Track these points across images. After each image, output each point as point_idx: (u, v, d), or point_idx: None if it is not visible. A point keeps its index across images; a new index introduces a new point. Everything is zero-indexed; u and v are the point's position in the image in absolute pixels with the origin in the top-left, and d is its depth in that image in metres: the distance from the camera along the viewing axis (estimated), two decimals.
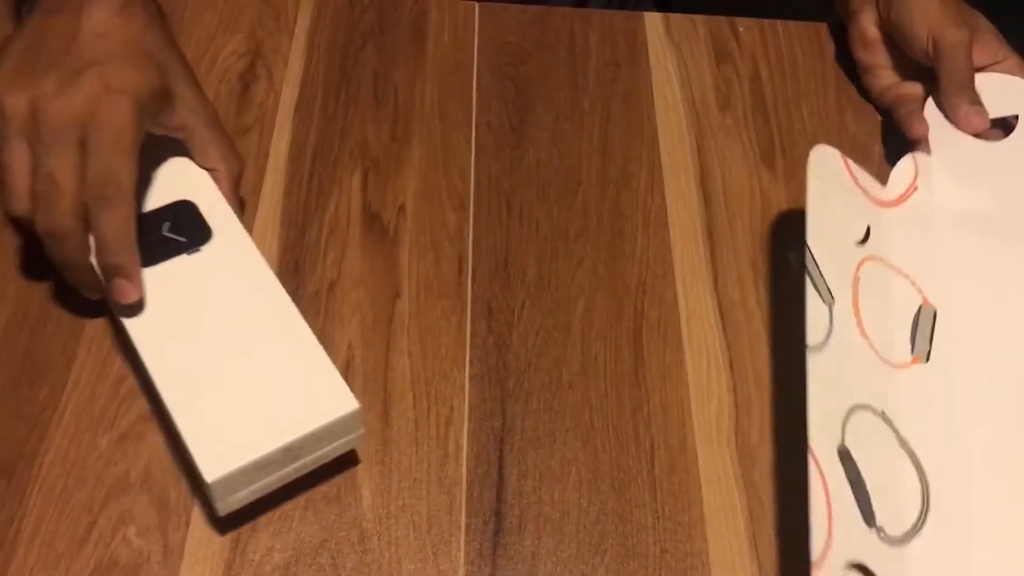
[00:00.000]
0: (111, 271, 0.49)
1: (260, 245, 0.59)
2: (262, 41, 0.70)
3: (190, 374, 0.48)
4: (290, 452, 0.47)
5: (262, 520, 0.49)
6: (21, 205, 0.50)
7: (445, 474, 0.52)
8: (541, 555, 0.49)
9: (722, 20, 0.75)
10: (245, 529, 0.49)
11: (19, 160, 0.49)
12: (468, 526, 0.50)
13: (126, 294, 0.50)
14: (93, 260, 0.50)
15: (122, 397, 0.52)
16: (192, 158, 0.56)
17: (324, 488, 0.50)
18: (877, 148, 0.68)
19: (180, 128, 0.54)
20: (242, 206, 0.59)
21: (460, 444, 0.53)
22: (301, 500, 0.50)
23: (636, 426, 0.54)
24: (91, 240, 0.50)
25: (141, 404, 0.52)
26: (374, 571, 0.48)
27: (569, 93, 0.70)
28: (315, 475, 0.51)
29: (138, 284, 0.50)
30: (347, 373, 0.54)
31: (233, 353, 0.49)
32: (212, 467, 0.45)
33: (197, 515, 0.49)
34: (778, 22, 0.76)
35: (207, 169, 0.56)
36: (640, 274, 0.60)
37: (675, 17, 0.75)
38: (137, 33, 0.53)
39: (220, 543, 0.48)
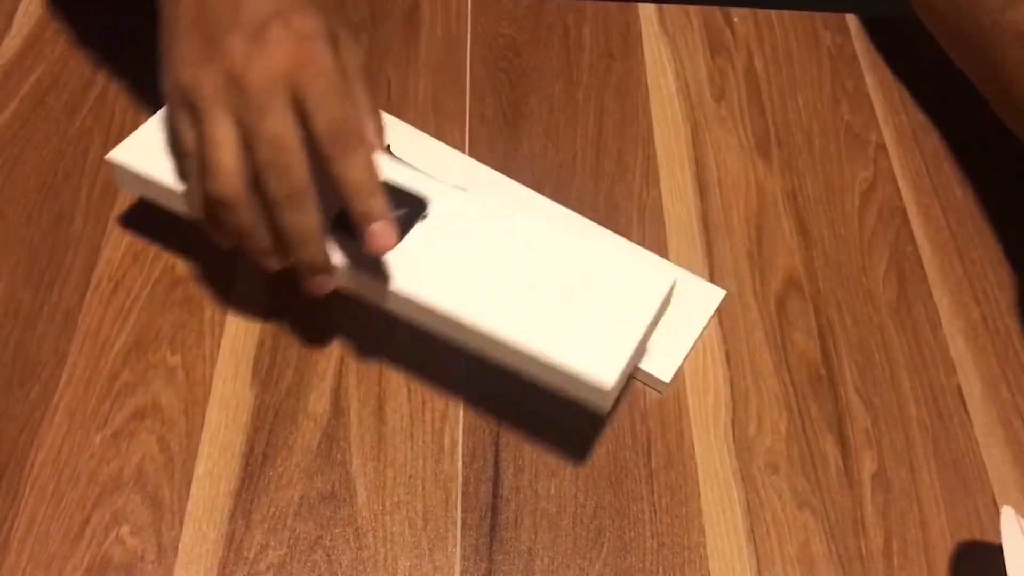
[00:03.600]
0: (369, 215, 0.46)
1: None
2: None
3: (519, 312, 0.48)
4: (646, 333, 0.49)
5: (256, 517, 0.49)
6: (232, 182, 0.46)
7: (440, 469, 0.51)
8: (538, 549, 0.49)
9: (716, 11, 0.75)
10: (239, 527, 0.49)
11: (226, 134, 0.46)
12: (464, 521, 0.50)
13: (388, 238, 0.47)
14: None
15: (115, 395, 0.52)
16: None
17: (319, 484, 0.50)
18: (873, 137, 0.68)
19: (340, 70, 0.49)
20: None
21: (455, 439, 0.52)
22: (295, 497, 0.50)
23: (633, 419, 0.54)
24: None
25: (134, 401, 0.52)
26: (370, 568, 0.48)
27: (563, 85, 0.69)
28: (310, 471, 0.50)
29: (394, 227, 0.47)
30: (341, 368, 0.54)
31: (539, 276, 0.49)
32: (604, 375, 0.46)
33: (191, 513, 0.49)
34: (772, 12, 0.75)
35: None
36: None
37: (669, 8, 0.75)
38: None
39: (214, 541, 0.48)
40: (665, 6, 0.75)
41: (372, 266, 0.49)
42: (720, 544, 0.50)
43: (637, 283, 0.50)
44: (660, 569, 0.49)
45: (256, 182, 0.47)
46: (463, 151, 0.64)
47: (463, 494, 0.51)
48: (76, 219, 0.59)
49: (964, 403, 0.56)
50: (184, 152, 0.49)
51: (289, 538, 0.48)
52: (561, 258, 0.50)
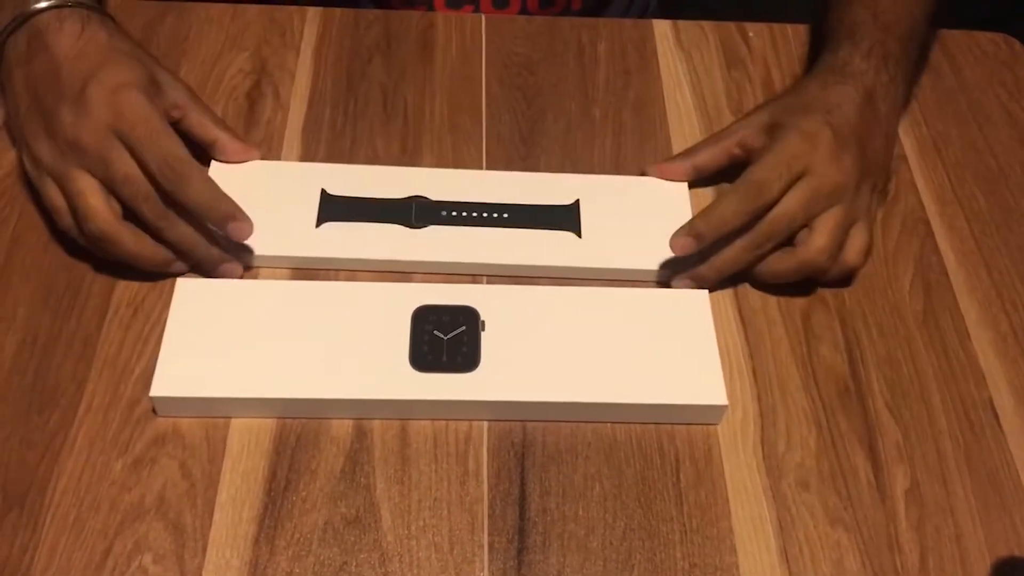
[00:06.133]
0: (223, 220, 0.54)
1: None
2: (268, 58, 0.69)
3: (615, 376, 0.53)
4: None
5: (280, 543, 0.48)
6: (104, 218, 0.54)
7: (466, 492, 0.51)
8: (567, 573, 0.48)
9: (731, 25, 0.75)
10: (263, 553, 0.48)
11: (87, 184, 0.54)
12: (491, 545, 0.49)
13: (244, 230, 0.54)
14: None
15: (135, 421, 0.52)
16: (193, 134, 0.59)
17: (343, 509, 0.49)
18: (894, 150, 0.67)
19: (174, 107, 0.58)
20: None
21: (480, 461, 0.52)
22: (320, 522, 0.49)
23: (660, 438, 0.53)
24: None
25: (155, 427, 0.51)
26: None
27: (579, 102, 0.69)
28: (334, 496, 0.50)
29: (247, 219, 0.55)
30: None
31: (608, 335, 0.55)
32: (716, 397, 0.53)
33: (214, 540, 0.48)
34: (788, 26, 0.75)
35: (208, 142, 0.60)
36: None
37: (684, 24, 0.74)
38: (106, 42, 0.57)
39: (238, 569, 0.47)
40: (680, 21, 0.75)
41: (476, 391, 0.52)
42: (753, 564, 0.49)
43: (684, 310, 0.56)
44: None
45: (130, 215, 0.55)
46: (480, 169, 0.64)
47: (489, 517, 0.50)
48: None
49: (996, 415, 0.55)
50: (56, 208, 0.56)
51: (314, 564, 0.48)
52: (614, 312, 0.55)
